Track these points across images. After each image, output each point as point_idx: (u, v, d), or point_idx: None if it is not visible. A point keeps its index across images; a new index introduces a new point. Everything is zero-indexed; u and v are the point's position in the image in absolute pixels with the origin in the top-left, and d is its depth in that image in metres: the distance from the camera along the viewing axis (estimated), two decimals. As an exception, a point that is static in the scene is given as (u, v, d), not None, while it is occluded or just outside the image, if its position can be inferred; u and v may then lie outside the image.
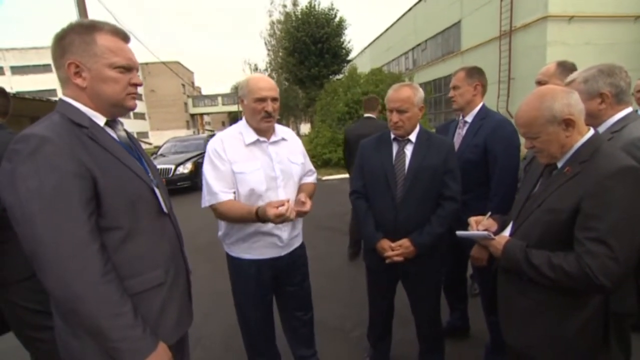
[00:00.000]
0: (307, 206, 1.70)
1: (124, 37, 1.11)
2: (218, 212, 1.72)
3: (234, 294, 1.94)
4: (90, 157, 0.98)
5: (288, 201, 1.57)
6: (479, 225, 1.50)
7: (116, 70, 1.06)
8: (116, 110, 1.12)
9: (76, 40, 1.01)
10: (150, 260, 1.12)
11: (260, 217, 1.59)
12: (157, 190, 1.17)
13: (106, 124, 1.11)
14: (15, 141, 0.92)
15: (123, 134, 1.19)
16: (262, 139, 1.78)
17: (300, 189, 1.93)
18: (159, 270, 1.14)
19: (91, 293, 0.92)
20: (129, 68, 1.09)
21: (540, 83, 1.95)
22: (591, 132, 1.24)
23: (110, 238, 1.02)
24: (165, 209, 1.20)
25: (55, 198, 0.90)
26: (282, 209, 1.52)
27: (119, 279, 1.00)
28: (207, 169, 1.74)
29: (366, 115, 4.01)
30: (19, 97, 9.96)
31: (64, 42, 1.02)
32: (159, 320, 1.12)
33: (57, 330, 1.07)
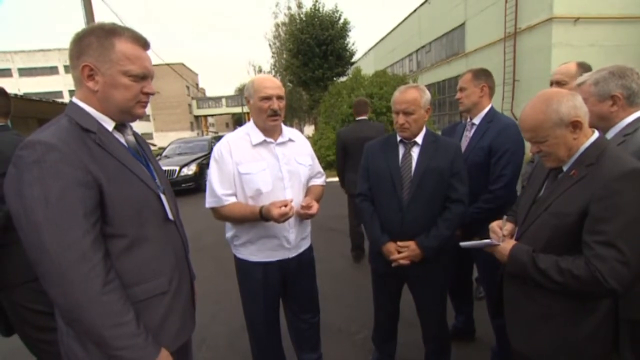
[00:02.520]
0: (313, 209, 1.75)
1: (144, 45, 1.10)
2: (219, 214, 1.76)
3: (241, 296, 1.95)
4: (97, 164, 0.98)
5: (291, 200, 1.66)
6: (504, 230, 1.46)
7: (130, 78, 1.05)
8: (124, 117, 1.11)
9: (94, 43, 1.01)
10: (155, 268, 1.11)
11: (263, 216, 1.65)
12: (163, 197, 1.16)
13: (115, 128, 1.11)
14: (21, 147, 0.91)
15: (131, 138, 1.18)
16: (268, 139, 1.79)
17: (308, 191, 1.94)
18: (163, 278, 1.13)
19: (93, 303, 0.92)
20: (143, 76, 1.08)
21: (559, 83, 1.91)
22: (596, 134, 1.22)
23: (115, 245, 1.02)
24: (170, 216, 1.19)
25: (60, 206, 0.90)
26: (285, 209, 1.59)
27: (122, 288, 0.99)
28: (212, 170, 1.77)
29: (359, 117, 4.04)
30: (26, 98, 10.05)
31: (82, 44, 1.01)
32: (162, 327, 1.12)
33: (60, 333, 1.08)
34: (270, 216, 1.60)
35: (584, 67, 1.90)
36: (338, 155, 4.08)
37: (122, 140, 1.13)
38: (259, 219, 1.67)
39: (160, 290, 1.12)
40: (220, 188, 1.72)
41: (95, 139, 1.01)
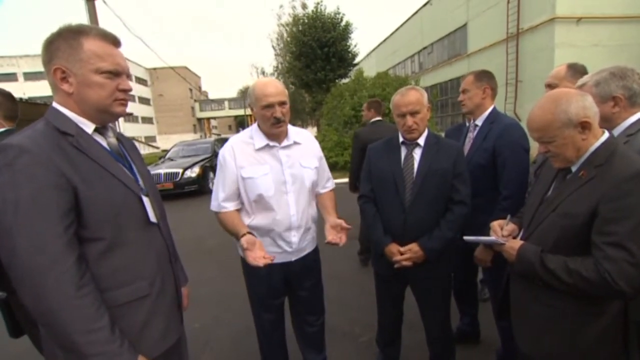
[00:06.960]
0: (343, 240, 1.79)
1: (114, 41, 1.08)
2: (218, 219, 1.80)
3: (248, 296, 1.98)
4: (72, 166, 0.96)
5: (272, 259, 1.48)
6: (504, 231, 1.46)
7: (103, 75, 1.03)
8: (104, 116, 1.09)
9: (62, 46, 1.00)
10: (135, 272, 1.09)
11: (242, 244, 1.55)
12: (145, 200, 1.14)
13: (96, 130, 1.09)
14: None
15: (113, 141, 1.16)
16: (272, 143, 1.77)
17: (323, 205, 1.95)
18: (143, 282, 1.11)
19: (65, 307, 0.89)
20: (117, 73, 1.06)
21: (550, 86, 1.92)
22: (606, 135, 1.21)
23: (92, 249, 1.00)
24: (153, 219, 1.16)
25: (31, 210, 0.88)
26: (258, 263, 1.45)
27: (96, 292, 0.96)
28: (217, 175, 1.80)
29: (377, 119, 3.96)
30: (31, 102, 10.10)
31: (51, 48, 1.00)
32: (143, 332, 1.10)
33: (43, 339, 1.06)
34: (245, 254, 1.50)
35: (575, 69, 1.89)
36: (355, 156, 3.91)
37: (104, 142, 1.12)
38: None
39: (141, 293, 1.10)
40: (221, 194, 1.75)
41: (73, 142, 1.00)
